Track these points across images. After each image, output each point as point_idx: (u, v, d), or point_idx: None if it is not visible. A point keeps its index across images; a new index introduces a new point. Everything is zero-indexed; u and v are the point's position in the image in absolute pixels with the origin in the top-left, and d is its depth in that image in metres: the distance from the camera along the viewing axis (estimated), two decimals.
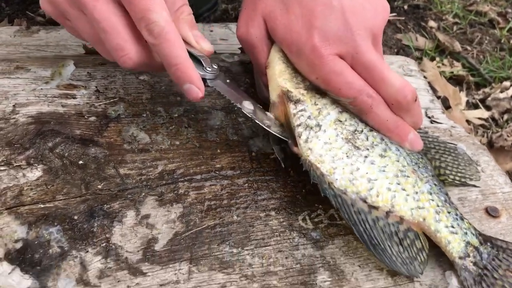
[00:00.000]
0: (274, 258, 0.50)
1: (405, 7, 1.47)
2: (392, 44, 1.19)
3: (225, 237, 0.51)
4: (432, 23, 1.38)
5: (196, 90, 0.52)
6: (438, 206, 0.53)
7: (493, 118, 1.09)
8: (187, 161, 0.58)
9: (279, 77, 0.57)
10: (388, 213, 0.51)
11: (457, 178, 0.61)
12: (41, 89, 0.62)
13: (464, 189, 0.63)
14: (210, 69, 0.56)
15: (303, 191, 0.58)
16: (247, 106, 0.57)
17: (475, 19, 1.46)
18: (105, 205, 0.51)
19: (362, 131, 0.55)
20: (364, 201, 0.51)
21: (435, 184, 0.55)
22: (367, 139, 0.55)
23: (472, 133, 1.00)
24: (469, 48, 1.31)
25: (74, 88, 0.63)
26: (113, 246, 0.48)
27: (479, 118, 1.05)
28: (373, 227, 0.50)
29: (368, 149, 0.54)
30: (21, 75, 0.63)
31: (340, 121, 0.55)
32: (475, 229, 0.54)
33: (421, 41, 1.26)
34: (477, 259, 0.52)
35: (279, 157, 0.56)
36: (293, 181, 0.58)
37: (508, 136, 0.98)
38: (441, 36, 1.30)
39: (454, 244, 0.52)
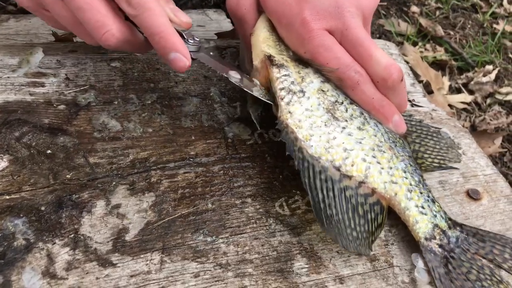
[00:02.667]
0: (249, 245, 0.49)
1: None
2: (374, 30, 1.17)
3: (199, 225, 0.50)
4: (414, 8, 1.37)
5: (183, 59, 0.51)
6: (411, 184, 0.53)
7: (476, 103, 1.08)
8: (160, 149, 0.56)
9: (263, 43, 0.56)
10: (360, 184, 0.51)
11: (436, 161, 0.60)
12: (8, 77, 0.60)
13: (445, 172, 0.62)
14: (192, 41, 0.55)
15: (280, 177, 0.56)
16: (234, 75, 0.56)
17: (457, 3, 1.45)
18: (74, 195, 0.49)
19: (342, 102, 0.55)
20: (338, 169, 0.50)
21: (410, 164, 0.54)
22: (347, 111, 0.54)
23: (455, 117, 0.99)
24: (451, 32, 1.30)
25: (42, 76, 0.61)
26: (82, 237, 0.46)
27: (462, 102, 1.04)
28: (338, 196, 0.49)
29: (346, 121, 0.53)
30: None
31: (323, 91, 0.55)
32: (445, 213, 0.53)
33: (404, 26, 1.24)
34: (443, 242, 0.51)
35: (256, 120, 0.55)
36: (270, 167, 0.57)
37: (491, 119, 0.97)
38: (423, 21, 1.29)
39: (422, 224, 0.51)
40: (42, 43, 0.71)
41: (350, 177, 0.50)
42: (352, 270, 0.49)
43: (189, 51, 0.53)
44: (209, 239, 0.49)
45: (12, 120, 0.55)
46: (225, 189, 0.54)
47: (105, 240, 0.47)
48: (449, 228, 0.52)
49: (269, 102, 0.55)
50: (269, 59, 0.55)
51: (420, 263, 0.51)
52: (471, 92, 1.10)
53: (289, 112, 0.52)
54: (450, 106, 1.02)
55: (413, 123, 0.62)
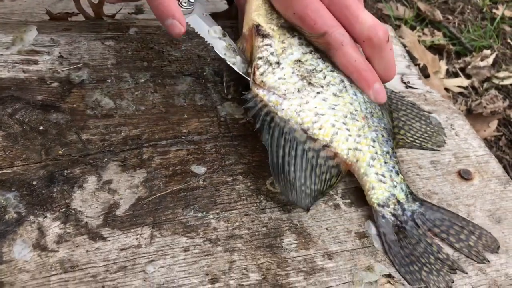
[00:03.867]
0: (239, 221, 0.49)
1: None
2: (373, 14, 1.16)
3: (190, 201, 0.50)
4: None
5: (178, 25, 0.53)
6: (376, 153, 0.54)
7: (473, 87, 1.08)
8: (152, 127, 0.56)
9: (254, 11, 0.58)
10: (324, 147, 0.52)
11: (417, 141, 0.61)
12: (1, 54, 0.60)
13: (437, 153, 0.62)
14: (186, 3, 0.56)
15: None
16: (219, 45, 0.58)
17: None
18: (65, 171, 0.50)
19: (321, 70, 0.55)
20: (305, 132, 0.52)
21: (382, 135, 0.55)
22: (325, 78, 0.55)
23: (451, 100, 0.99)
24: (450, 17, 1.30)
25: (36, 54, 0.61)
26: (73, 211, 0.47)
27: (459, 86, 1.04)
28: (299, 156, 0.51)
29: (322, 87, 0.54)
30: None
31: (301, 61, 0.56)
32: (408, 187, 0.54)
33: (402, 10, 1.24)
34: (397, 212, 0.52)
35: (226, 84, 0.58)
36: (262, 146, 0.57)
37: (487, 103, 0.97)
38: (422, 5, 1.28)
39: (378, 191, 0.52)
40: (36, 21, 0.71)
41: (315, 140, 0.52)
42: (341, 247, 0.49)
43: (184, 14, 0.55)
44: (199, 214, 0.49)
45: (5, 97, 0.55)
46: (217, 167, 0.54)
47: (96, 214, 0.47)
48: (407, 201, 0.53)
49: (243, 75, 0.56)
50: (257, 28, 0.56)
51: (373, 230, 0.52)
52: (468, 76, 1.09)
53: (262, 81, 0.54)
54: (447, 90, 1.02)
55: (404, 102, 0.63)
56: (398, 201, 0.52)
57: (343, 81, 0.55)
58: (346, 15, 0.54)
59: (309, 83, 0.54)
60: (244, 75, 0.57)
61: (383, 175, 0.53)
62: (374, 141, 0.54)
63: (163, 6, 0.52)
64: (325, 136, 0.52)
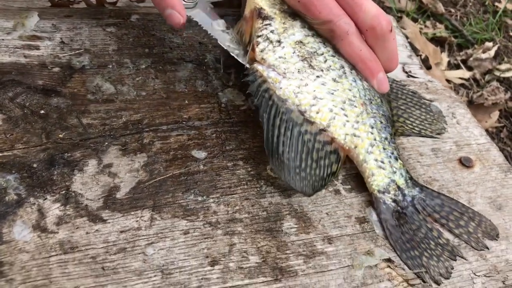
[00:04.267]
0: (240, 205, 0.49)
1: None
2: None
3: (190, 185, 0.50)
4: None
5: (177, 15, 0.53)
6: (375, 140, 0.54)
7: (474, 79, 1.07)
8: (153, 112, 0.56)
9: None
10: (321, 131, 0.52)
11: (416, 129, 0.61)
12: (2, 39, 0.60)
13: (438, 141, 0.62)
14: None
15: None
16: (217, 27, 0.58)
17: None
18: (66, 154, 0.50)
19: (322, 54, 0.55)
20: (302, 114, 0.52)
21: (380, 122, 0.55)
22: (325, 62, 0.55)
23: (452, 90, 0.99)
24: (452, 10, 1.29)
25: (37, 39, 0.61)
26: (73, 194, 0.47)
27: (460, 78, 1.04)
28: (295, 137, 0.51)
29: (322, 71, 0.54)
30: None
31: (302, 43, 0.55)
32: (407, 172, 0.54)
33: (404, 2, 1.23)
34: (398, 198, 0.52)
35: (223, 69, 0.59)
36: (263, 132, 0.57)
37: (489, 95, 0.97)
38: None
39: (378, 177, 0.52)
40: (37, 7, 0.70)
41: (312, 123, 0.51)
42: (341, 231, 0.49)
43: (186, 8, 0.55)
44: (199, 198, 0.49)
45: (6, 81, 0.55)
46: (217, 152, 0.54)
47: (96, 197, 0.47)
48: (407, 186, 0.53)
49: (246, 65, 0.56)
50: (259, 11, 0.56)
51: (374, 217, 0.52)
52: (470, 68, 1.09)
53: (262, 58, 0.54)
54: (448, 81, 1.02)
55: (404, 91, 0.63)
56: (398, 187, 0.52)
57: (343, 67, 0.55)
58: (350, 3, 0.54)
59: (310, 65, 0.54)
60: (245, 63, 0.56)
61: (382, 162, 0.53)
62: (372, 128, 0.54)
63: None
64: (322, 120, 0.52)
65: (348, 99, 0.54)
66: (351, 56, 0.56)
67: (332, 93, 0.53)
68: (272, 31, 0.55)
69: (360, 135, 0.53)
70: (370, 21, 0.54)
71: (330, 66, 0.55)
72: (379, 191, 0.52)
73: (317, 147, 0.51)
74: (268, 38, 0.55)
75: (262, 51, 0.54)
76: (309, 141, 0.51)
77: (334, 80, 0.54)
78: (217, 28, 0.59)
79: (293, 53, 0.54)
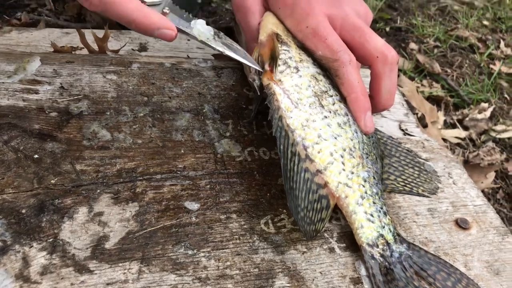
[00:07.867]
0: (231, 261, 0.48)
1: (387, 29, 1.48)
2: None
3: (181, 238, 0.49)
4: (413, 45, 1.39)
5: (168, 32, 0.51)
6: (366, 193, 0.53)
7: (470, 139, 1.08)
8: (148, 160, 0.56)
9: (273, 25, 0.60)
10: (317, 172, 0.51)
11: (408, 187, 0.61)
12: (3, 82, 0.60)
13: (434, 200, 0.62)
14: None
15: (267, 195, 0.56)
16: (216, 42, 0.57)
17: (455, 43, 1.47)
18: (56, 200, 0.49)
19: (332, 96, 0.57)
20: (305, 149, 0.51)
21: (373, 177, 0.55)
22: (334, 104, 0.56)
23: (449, 150, 0.99)
24: (449, 70, 1.32)
25: (37, 84, 0.61)
26: (61, 242, 0.45)
27: (457, 137, 1.05)
28: (298, 173, 0.50)
29: (330, 112, 0.55)
30: None
31: (316, 79, 0.57)
32: (395, 228, 0.54)
33: (401, 62, 1.26)
34: (386, 254, 0.51)
35: (256, 85, 0.57)
36: (258, 185, 0.56)
37: (484, 155, 0.97)
38: (421, 57, 1.30)
39: (367, 230, 0.52)
40: (40, 52, 0.71)
41: (312, 161, 0.51)
42: None
43: (153, 5, 0.53)
44: (190, 252, 0.48)
45: (2, 124, 0.54)
46: (211, 204, 0.53)
47: (84, 246, 0.46)
48: (395, 242, 0.52)
49: (258, 68, 0.57)
50: (277, 35, 0.58)
51: (363, 271, 0.50)
52: (465, 128, 1.10)
53: (280, 80, 0.55)
54: (444, 140, 1.02)
55: (399, 148, 0.63)
56: (387, 242, 0.52)
57: (347, 115, 0.56)
58: (359, 34, 0.57)
59: (320, 104, 0.55)
60: (249, 63, 0.56)
61: (371, 215, 0.52)
62: (365, 181, 0.54)
63: (141, 25, 0.50)
64: (321, 161, 0.52)
65: (349, 148, 0.54)
66: (347, 85, 0.56)
67: (336, 138, 0.53)
68: (290, 58, 0.57)
69: (352, 186, 0.53)
70: (381, 48, 0.56)
71: (337, 110, 0.56)
72: (368, 244, 0.51)
73: (313, 188, 0.51)
74: (286, 63, 0.56)
75: (281, 72, 0.55)
76: (308, 180, 0.51)
77: (339, 125, 0.55)
78: (214, 39, 0.56)
79: (308, 86, 0.55)
